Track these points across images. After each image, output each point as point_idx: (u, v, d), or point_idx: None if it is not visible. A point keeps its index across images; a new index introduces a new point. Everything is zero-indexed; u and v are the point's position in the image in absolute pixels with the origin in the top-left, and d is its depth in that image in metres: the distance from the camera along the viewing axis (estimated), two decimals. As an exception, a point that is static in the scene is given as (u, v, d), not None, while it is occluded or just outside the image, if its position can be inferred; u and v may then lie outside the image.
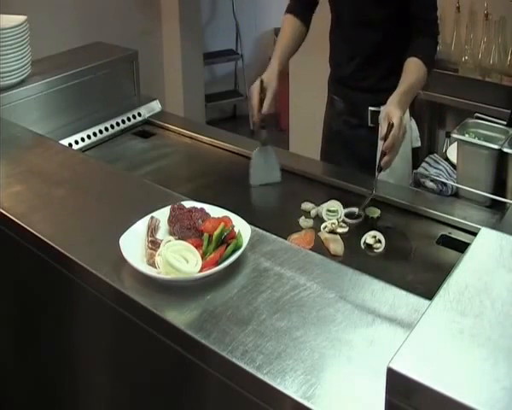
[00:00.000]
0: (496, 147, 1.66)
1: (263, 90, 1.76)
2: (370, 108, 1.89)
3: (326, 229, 1.61)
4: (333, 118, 1.88)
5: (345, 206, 1.69)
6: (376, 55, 1.89)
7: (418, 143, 1.98)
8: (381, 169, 1.66)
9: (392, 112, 1.64)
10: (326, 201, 1.71)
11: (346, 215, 1.66)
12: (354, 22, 1.88)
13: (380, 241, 1.56)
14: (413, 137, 1.95)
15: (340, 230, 1.61)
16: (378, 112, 1.87)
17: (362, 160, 1.92)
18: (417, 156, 1.97)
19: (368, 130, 1.93)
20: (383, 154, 1.63)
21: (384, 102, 1.73)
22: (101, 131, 2.16)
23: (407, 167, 1.93)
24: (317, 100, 1.94)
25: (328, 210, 1.67)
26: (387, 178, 1.89)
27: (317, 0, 2.01)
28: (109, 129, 2.19)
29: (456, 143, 1.79)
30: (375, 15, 1.85)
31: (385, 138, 1.62)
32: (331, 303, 1.04)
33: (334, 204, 1.68)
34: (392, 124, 1.61)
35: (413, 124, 1.96)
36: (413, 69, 1.78)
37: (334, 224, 1.61)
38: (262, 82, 1.78)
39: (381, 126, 1.68)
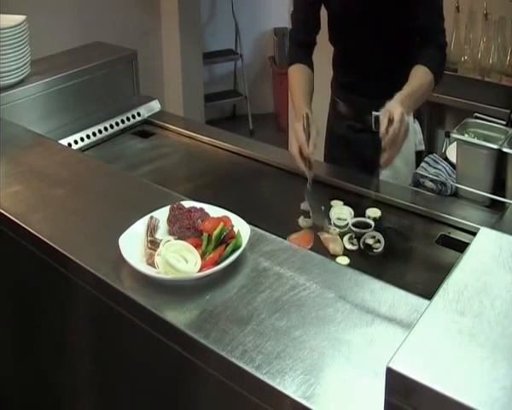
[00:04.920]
0: (495, 147, 1.66)
1: (309, 126, 1.71)
2: (374, 113, 1.86)
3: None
4: (336, 121, 1.86)
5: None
6: (387, 70, 1.88)
7: (422, 147, 1.95)
8: (380, 167, 1.64)
9: (394, 107, 1.61)
10: (326, 200, 1.71)
11: (354, 224, 1.62)
12: (369, 44, 1.87)
13: (379, 241, 1.56)
14: (417, 140, 1.93)
15: (348, 246, 1.55)
16: None
17: (366, 164, 1.90)
18: (421, 160, 1.93)
19: (372, 134, 1.91)
20: (384, 151, 1.60)
21: None
22: (100, 131, 2.16)
23: (410, 171, 1.89)
24: (317, 100, 1.93)
25: (338, 218, 1.64)
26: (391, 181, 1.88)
27: (315, 41, 1.99)
28: (109, 129, 2.19)
29: (455, 143, 1.79)
30: (390, 35, 1.84)
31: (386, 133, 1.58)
32: (330, 303, 1.04)
33: (343, 212, 1.65)
34: (393, 118, 1.58)
35: (417, 127, 1.93)
36: (419, 75, 1.76)
37: (342, 234, 1.58)
38: (307, 118, 1.72)
39: (381, 123, 1.63)
